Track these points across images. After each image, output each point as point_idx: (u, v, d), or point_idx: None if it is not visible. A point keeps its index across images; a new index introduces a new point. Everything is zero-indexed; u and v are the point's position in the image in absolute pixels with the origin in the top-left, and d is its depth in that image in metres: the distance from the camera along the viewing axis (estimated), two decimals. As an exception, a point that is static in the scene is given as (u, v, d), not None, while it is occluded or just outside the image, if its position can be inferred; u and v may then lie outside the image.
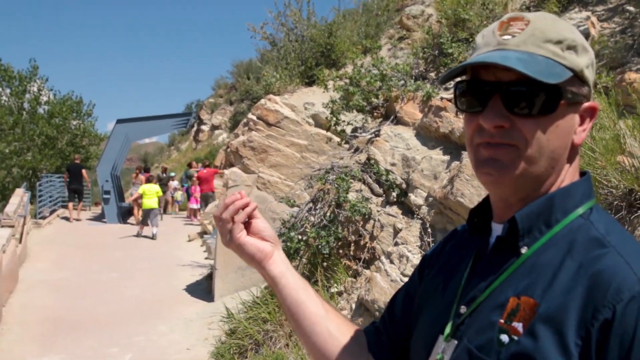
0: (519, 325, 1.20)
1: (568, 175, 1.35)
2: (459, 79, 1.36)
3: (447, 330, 1.37)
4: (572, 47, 1.27)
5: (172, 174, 27.51)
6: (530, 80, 1.21)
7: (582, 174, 1.39)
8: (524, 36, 1.26)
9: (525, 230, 1.30)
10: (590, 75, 1.32)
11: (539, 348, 1.15)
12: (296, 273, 1.70)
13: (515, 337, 1.19)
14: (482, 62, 1.25)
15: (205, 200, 21.55)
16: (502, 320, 1.23)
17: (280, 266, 1.67)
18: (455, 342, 1.34)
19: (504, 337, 1.21)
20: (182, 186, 26.26)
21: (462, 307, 1.36)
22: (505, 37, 1.27)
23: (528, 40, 1.25)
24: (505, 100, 1.25)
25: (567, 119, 1.29)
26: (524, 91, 1.24)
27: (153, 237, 18.67)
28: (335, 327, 1.65)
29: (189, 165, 26.72)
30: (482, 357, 1.23)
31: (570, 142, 1.31)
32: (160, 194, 20.01)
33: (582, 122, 1.33)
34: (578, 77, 1.29)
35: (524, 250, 1.29)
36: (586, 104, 1.32)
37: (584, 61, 1.30)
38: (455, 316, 1.37)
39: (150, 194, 19.02)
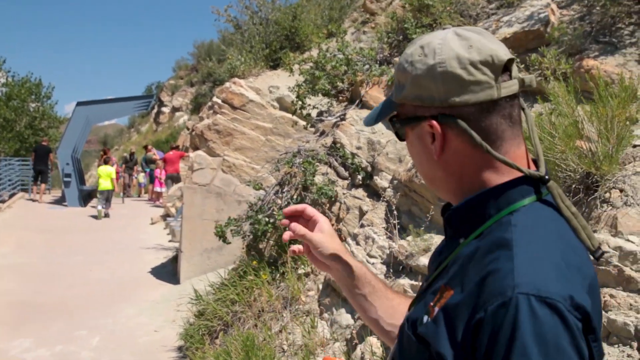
0: (436, 309, 1.31)
1: (480, 179, 1.41)
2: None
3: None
4: (403, 69, 1.43)
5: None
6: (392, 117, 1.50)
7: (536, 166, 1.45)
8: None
9: (460, 223, 1.42)
10: (414, 90, 1.40)
11: (436, 333, 1.27)
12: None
13: (429, 319, 1.32)
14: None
15: (172, 180, 21.53)
16: (431, 304, 1.35)
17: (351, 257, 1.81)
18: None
19: (425, 317, 1.34)
20: (144, 171, 26.03)
21: (424, 284, 1.50)
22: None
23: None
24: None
25: (418, 140, 1.44)
26: (394, 120, 1.50)
27: (105, 216, 19.61)
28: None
29: (145, 149, 26.45)
30: (406, 331, 1.39)
31: (428, 162, 1.44)
32: (113, 175, 20.27)
33: (433, 140, 1.40)
34: (415, 100, 1.40)
35: (461, 241, 1.40)
36: (427, 123, 1.39)
37: (408, 84, 1.41)
38: (418, 294, 1.52)
39: (104, 175, 19.75)
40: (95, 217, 19.58)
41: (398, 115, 1.47)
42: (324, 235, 1.75)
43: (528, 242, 1.27)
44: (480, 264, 1.27)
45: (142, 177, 26.42)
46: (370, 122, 1.54)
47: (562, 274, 1.22)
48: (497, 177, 1.40)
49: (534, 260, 1.23)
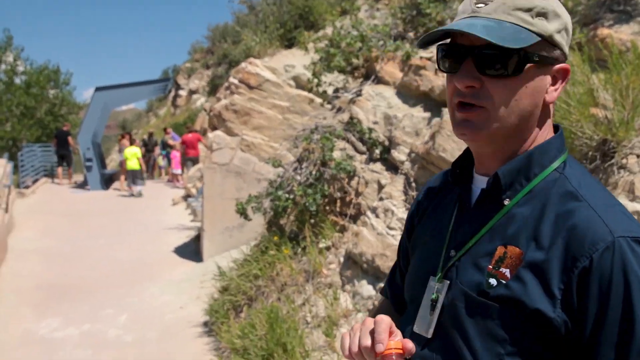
0: (506, 271, 1.37)
1: (542, 131, 1.50)
2: (440, 42, 1.49)
3: (439, 272, 1.52)
4: (542, 14, 1.39)
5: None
6: (498, 45, 1.33)
7: (556, 128, 1.55)
8: (495, 5, 1.38)
9: (507, 185, 1.44)
10: (561, 39, 1.43)
11: (527, 292, 1.33)
12: None
13: (503, 281, 1.36)
14: (449, 29, 1.39)
15: (192, 162, 21.68)
16: (490, 267, 1.40)
17: None
18: (448, 282, 1.49)
19: (492, 281, 1.38)
20: (161, 153, 26.16)
21: (452, 251, 1.51)
22: (479, 5, 1.41)
23: (499, 9, 1.38)
24: (477, 63, 1.38)
25: (537, 80, 1.41)
26: (493, 55, 1.36)
27: (139, 195, 20.16)
28: None
29: (165, 131, 26.43)
30: (476, 298, 1.40)
31: (542, 101, 1.45)
32: (139, 155, 20.70)
33: (554, 83, 1.46)
34: (548, 42, 1.40)
35: (506, 202, 1.45)
36: (558, 66, 1.44)
37: (554, 26, 1.41)
38: (445, 259, 1.52)
39: (131, 156, 20.36)
40: (128, 196, 20.43)
41: (532, 49, 1.39)
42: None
43: (592, 194, 1.40)
44: (555, 219, 1.37)
45: (161, 160, 26.50)
46: (506, 41, 1.34)
47: (631, 217, 1.37)
48: (547, 133, 1.52)
49: (609, 208, 1.36)
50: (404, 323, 1.60)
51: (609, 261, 1.27)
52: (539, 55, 1.40)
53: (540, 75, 1.42)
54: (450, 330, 1.44)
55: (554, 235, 1.35)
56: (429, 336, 1.48)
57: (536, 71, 1.41)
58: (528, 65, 1.39)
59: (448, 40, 1.48)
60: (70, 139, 23.91)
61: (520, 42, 1.35)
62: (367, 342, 1.40)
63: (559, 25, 1.42)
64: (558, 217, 1.37)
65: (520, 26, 1.37)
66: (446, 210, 1.65)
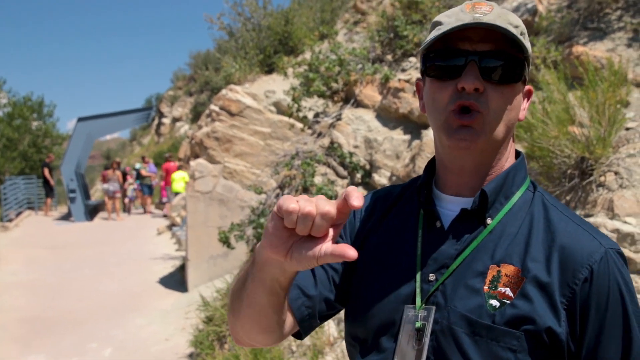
0: (506, 290, 1.36)
1: (512, 150, 1.54)
2: (428, 49, 1.49)
3: (418, 298, 1.45)
4: (523, 34, 1.45)
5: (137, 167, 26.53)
6: (501, 52, 1.40)
7: (517, 154, 1.57)
8: (494, 15, 1.41)
9: (491, 203, 1.46)
10: (529, 63, 1.50)
11: (535, 309, 1.33)
12: None
13: (507, 301, 1.35)
14: (477, 23, 1.39)
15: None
16: (485, 287, 1.38)
17: None
18: (433, 308, 1.42)
19: (494, 302, 1.36)
20: (135, 183, 24.99)
21: (431, 275, 1.45)
22: (477, 15, 1.41)
23: (497, 20, 1.40)
24: (481, 67, 1.40)
25: (520, 94, 1.48)
26: (496, 60, 1.40)
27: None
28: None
29: (143, 160, 25.32)
30: (481, 321, 1.36)
31: (517, 118, 1.49)
32: (187, 179, 20.55)
33: (523, 101, 1.52)
34: (527, 60, 1.47)
35: (489, 221, 1.45)
36: (527, 86, 1.52)
37: (530, 49, 1.47)
38: (423, 283, 1.46)
39: (179, 179, 20.37)
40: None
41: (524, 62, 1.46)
42: None
43: (568, 210, 1.48)
44: (545, 235, 1.41)
45: (130, 190, 25.23)
46: (507, 31, 1.39)
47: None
48: (513, 152, 1.57)
49: (589, 226, 1.43)
50: (372, 355, 1.52)
51: (605, 270, 1.35)
52: (526, 69, 1.47)
53: (521, 90, 1.48)
54: (450, 358, 1.39)
55: (547, 251, 1.38)
56: None
57: (520, 86, 1.46)
58: (523, 75, 1.45)
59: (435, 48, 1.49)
60: (45, 170, 23.81)
61: (525, 50, 1.44)
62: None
63: (530, 49, 1.48)
64: (547, 232, 1.41)
65: (517, 37, 1.42)
66: (404, 232, 1.58)
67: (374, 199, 1.73)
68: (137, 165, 24.96)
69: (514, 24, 1.42)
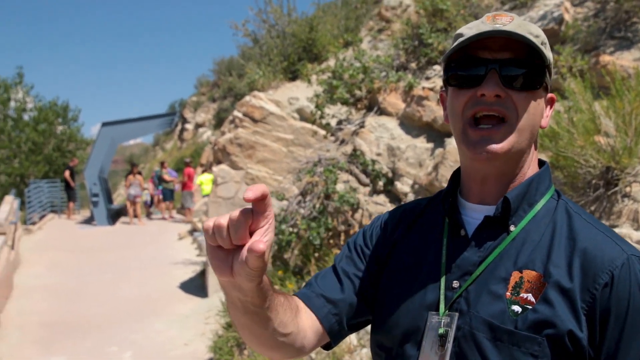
0: (528, 296, 1.37)
1: (535, 158, 1.56)
2: (450, 59, 1.53)
3: (442, 305, 1.47)
4: (544, 44, 1.47)
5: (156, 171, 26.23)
6: (521, 60, 1.43)
7: (541, 163, 1.59)
8: (514, 25, 1.43)
9: (514, 210, 1.47)
10: (552, 70, 1.52)
11: (556, 313, 1.34)
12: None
13: (529, 306, 1.36)
14: (495, 31, 1.41)
15: (190, 196, 21.69)
16: (508, 293, 1.40)
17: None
18: (456, 314, 1.45)
19: (516, 307, 1.38)
20: (157, 188, 24.89)
21: (455, 282, 1.48)
22: (498, 25, 1.43)
23: (517, 29, 1.41)
24: (501, 75, 1.42)
25: (541, 100, 1.49)
26: (517, 68, 1.43)
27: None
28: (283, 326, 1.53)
29: (162, 165, 25.01)
30: (502, 326, 1.37)
31: (539, 124, 1.50)
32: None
33: (545, 109, 1.54)
34: (548, 69, 1.49)
35: (512, 228, 1.47)
36: (549, 94, 1.55)
37: (551, 57, 1.49)
38: (447, 290, 1.48)
39: (207, 181, 20.25)
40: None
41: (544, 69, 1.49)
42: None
43: (593, 218, 1.48)
44: (567, 241, 1.42)
45: (145, 195, 24.91)
46: (525, 38, 1.41)
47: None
48: (536, 160, 1.58)
49: (612, 233, 1.43)
50: None
51: (627, 276, 1.34)
52: (547, 76, 1.49)
53: (543, 97, 1.50)
54: None
55: (569, 256, 1.38)
56: None
57: (541, 93, 1.48)
58: (544, 82, 1.47)
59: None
60: (66, 172, 24.15)
61: (543, 56, 1.44)
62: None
63: (552, 58, 1.50)
64: (570, 239, 1.41)
65: (537, 45, 1.43)
66: (429, 241, 1.61)
67: (401, 212, 1.78)
68: (156, 170, 25.03)
69: (534, 33, 1.44)
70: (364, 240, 1.76)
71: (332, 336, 1.66)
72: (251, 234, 1.23)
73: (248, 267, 1.22)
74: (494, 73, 1.42)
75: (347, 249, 1.77)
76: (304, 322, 1.61)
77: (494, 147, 1.42)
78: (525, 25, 1.45)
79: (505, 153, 1.43)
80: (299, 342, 1.59)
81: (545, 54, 1.44)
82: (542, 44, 1.45)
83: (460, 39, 1.46)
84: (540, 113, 1.49)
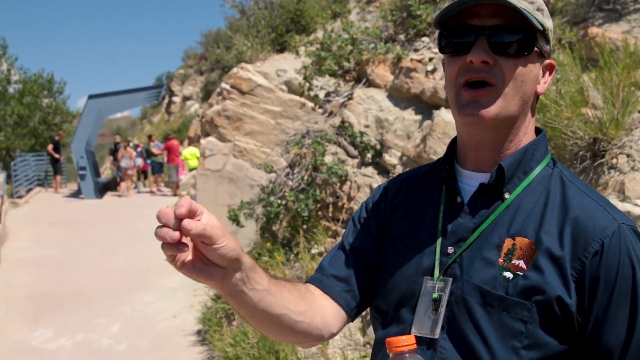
0: (519, 262, 1.39)
1: (531, 125, 1.56)
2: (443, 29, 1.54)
3: (437, 270, 1.50)
4: (540, 10, 1.48)
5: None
6: (510, 26, 1.42)
7: (538, 130, 1.60)
8: None
9: (509, 178, 1.49)
10: (551, 37, 1.54)
11: (546, 280, 1.36)
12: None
13: (520, 273, 1.38)
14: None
15: (174, 169, 21.72)
16: (500, 260, 1.41)
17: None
18: (450, 279, 1.47)
19: (507, 274, 1.40)
20: (146, 162, 24.87)
21: (450, 247, 1.50)
22: None
23: None
24: (490, 41, 1.43)
25: (535, 66, 1.49)
26: (506, 34, 1.43)
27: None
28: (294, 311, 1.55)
29: (149, 139, 25.10)
30: (493, 292, 1.39)
31: (535, 91, 1.52)
32: (198, 155, 20.60)
33: (543, 76, 1.54)
34: (544, 35, 1.49)
35: (507, 195, 1.48)
36: (547, 60, 1.54)
37: (549, 24, 1.50)
38: (442, 256, 1.51)
39: (191, 156, 21.04)
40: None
41: (537, 35, 1.48)
42: (222, 230, 1.30)
43: (587, 186, 1.50)
44: (560, 209, 1.43)
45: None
46: (510, 3, 1.40)
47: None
48: (533, 128, 1.59)
49: (605, 201, 1.45)
50: (392, 326, 1.57)
51: (617, 244, 1.36)
52: (540, 43, 1.48)
53: (538, 63, 1.50)
54: (462, 327, 1.42)
55: (561, 224, 1.40)
56: (436, 336, 1.45)
57: (536, 59, 1.48)
58: (535, 48, 1.46)
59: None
60: (49, 146, 24.04)
61: (535, 22, 1.43)
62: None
63: (551, 25, 1.52)
64: (562, 207, 1.43)
65: (530, 12, 1.43)
66: (427, 207, 1.63)
67: (401, 180, 1.80)
68: (132, 144, 24.82)
69: (536, 4, 1.46)
70: (366, 211, 1.79)
71: (350, 310, 1.68)
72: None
73: (208, 245, 1.28)
74: (483, 39, 1.43)
75: (352, 223, 1.80)
76: (320, 303, 1.64)
77: (481, 110, 1.43)
78: None
79: (492, 118, 1.44)
80: (319, 321, 1.61)
81: (539, 20, 1.45)
82: (538, 10, 1.46)
83: (447, 5, 1.47)
84: (533, 79, 1.49)
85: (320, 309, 1.62)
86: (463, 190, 1.56)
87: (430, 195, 1.65)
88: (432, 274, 1.51)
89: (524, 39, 1.44)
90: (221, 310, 7.53)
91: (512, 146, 1.51)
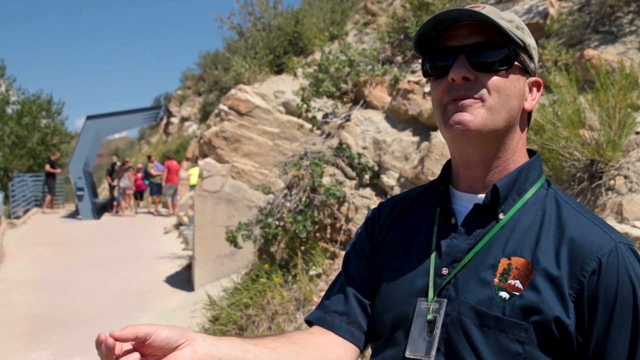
0: (516, 282, 1.38)
1: (522, 144, 1.56)
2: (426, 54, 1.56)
3: (431, 291, 1.49)
4: (520, 28, 1.50)
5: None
6: (489, 42, 1.45)
7: (532, 152, 1.60)
8: (486, 10, 1.44)
9: (504, 199, 1.48)
10: (535, 55, 1.55)
11: (543, 299, 1.34)
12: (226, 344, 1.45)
13: (516, 293, 1.37)
14: (462, 10, 1.43)
15: (174, 190, 21.74)
16: (496, 280, 1.40)
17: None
18: (445, 300, 1.46)
19: (504, 294, 1.38)
20: (144, 182, 24.40)
21: (444, 269, 1.49)
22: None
23: (490, 14, 1.44)
24: (470, 59, 1.44)
25: (520, 82, 1.50)
26: (485, 51, 1.45)
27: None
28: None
29: (149, 159, 24.92)
30: (490, 312, 1.38)
31: (522, 107, 1.52)
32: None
33: (530, 92, 1.55)
34: (526, 52, 1.51)
35: (501, 216, 1.48)
36: (533, 78, 1.56)
37: (531, 42, 1.52)
38: (436, 277, 1.50)
39: (195, 174, 20.53)
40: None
41: (517, 50, 1.49)
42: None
43: (582, 207, 1.50)
44: (556, 229, 1.43)
45: (116, 191, 24.16)
46: (485, 17, 1.42)
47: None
48: (524, 146, 1.59)
49: (601, 221, 1.44)
50: (388, 349, 1.56)
51: (615, 263, 1.35)
52: (522, 58, 1.49)
53: (522, 80, 1.51)
54: (459, 349, 1.41)
55: (557, 244, 1.39)
56: (431, 358, 1.44)
57: (519, 75, 1.49)
58: (515, 63, 1.47)
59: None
60: (47, 166, 24.12)
61: (514, 37, 1.44)
62: None
63: (533, 43, 1.53)
64: (558, 227, 1.42)
65: (509, 28, 1.45)
66: (420, 228, 1.64)
67: (394, 201, 1.80)
68: (117, 163, 24.93)
69: (506, 19, 1.48)
70: (360, 237, 1.79)
71: (357, 342, 1.67)
72: None
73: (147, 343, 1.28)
74: (462, 57, 1.45)
75: (347, 252, 1.81)
76: (321, 341, 1.63)
77: (467, 120, 1.43)
78: (498, 13, 1.47)
79: (478, 129, 1.44)
80: (322, 358, 1.60)
81: (518, 36, 1.46)
82: (517, 28, 1.48)
83: (423, 24, 1.49)
84: (518, 94, 1.49)
85: (320, 346, 1.61)
86: (457, 212, 1.56)
87: (423, 216, 1.66)
88: (426, 295, 1.50)
89: (503, 54, 1.45)
90: (219, 332, 7.49)
91: (501, 164, 1.52)
